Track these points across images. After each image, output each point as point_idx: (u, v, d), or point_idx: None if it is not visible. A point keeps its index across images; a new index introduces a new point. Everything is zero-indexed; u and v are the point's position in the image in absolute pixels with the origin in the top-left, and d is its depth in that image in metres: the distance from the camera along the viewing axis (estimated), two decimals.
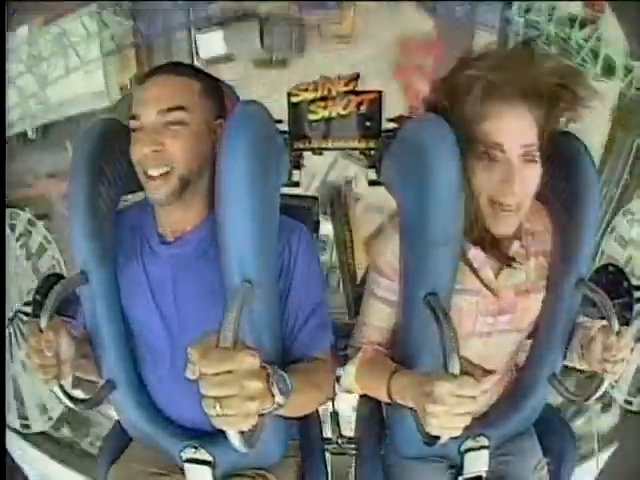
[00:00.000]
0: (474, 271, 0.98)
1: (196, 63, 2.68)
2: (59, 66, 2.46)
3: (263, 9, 2.69)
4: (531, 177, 0.92)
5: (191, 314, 0.97)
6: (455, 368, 0.79)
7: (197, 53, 2.73)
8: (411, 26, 2.70)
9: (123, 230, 1.02)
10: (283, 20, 2.71)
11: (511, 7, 2.47)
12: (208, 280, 0.95)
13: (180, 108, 0.92)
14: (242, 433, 0.72)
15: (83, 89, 2.55)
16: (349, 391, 1.09)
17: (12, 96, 2.35)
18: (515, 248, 1.00)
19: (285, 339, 0.99)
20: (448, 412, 0.77)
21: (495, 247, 0.98)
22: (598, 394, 0.98)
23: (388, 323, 1.05)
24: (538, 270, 1.03)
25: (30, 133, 2.48)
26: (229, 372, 0.67)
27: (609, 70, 2.24)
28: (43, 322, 0.88)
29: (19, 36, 2.40)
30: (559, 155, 0.99)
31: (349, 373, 1.06)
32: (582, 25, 2.29)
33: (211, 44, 2.71)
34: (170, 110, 0.91)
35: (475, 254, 0.98)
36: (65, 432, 2.31)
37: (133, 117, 0.93)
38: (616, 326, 0.92)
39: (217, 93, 1.00)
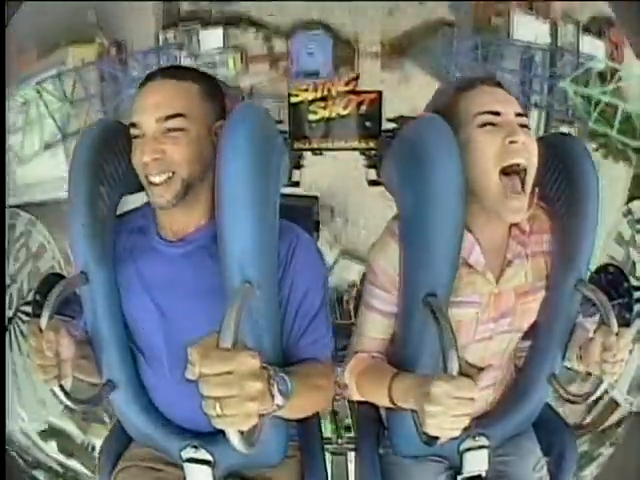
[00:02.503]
0: (480, 274, 0.99)
1: None
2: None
3: (247, 83, 2.61)
4: (529, 142, 0.93)
5: (191, 314, 0.97)
6: (454, 369, 0.79)
7: None
8: None
9: (122, 233, 1.02)
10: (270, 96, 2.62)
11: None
12: (208, 280, 0.95)
13: (179, 115, 0.92)
14: (242, 433, 0.72)
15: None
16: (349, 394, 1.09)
17: None
18: (513, 247, 1.01)
19: (286, 344, 0.99)
20: (446, 413, 0.77)
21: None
22: (596, 395, 0.98)
23: (385, 334, 1.05)
24: (536, 271, 1.03)
25: None
26: (229, 373, 0.68)
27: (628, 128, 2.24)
28: (43, 322, 0.87)
29: None
30: (560, 156, 1.00)
31: (345, 378, 1.07)
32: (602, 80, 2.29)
33: None
34: (169, 118, 0.91)
35: (476, 260, 0.99)
36: None
37: (133, 125, 0.94)
38: (615, 327, 0.92)
39: (217, 95, 1.00)
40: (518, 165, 0.91)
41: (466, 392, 0.77)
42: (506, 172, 0.92)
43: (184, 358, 0.75)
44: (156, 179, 0.92)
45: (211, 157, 0.94)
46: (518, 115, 0.94)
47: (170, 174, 0.92)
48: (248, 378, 0.69)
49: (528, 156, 0.92)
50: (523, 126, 0.93)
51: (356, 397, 1.07)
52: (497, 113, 0.93)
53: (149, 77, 0.96)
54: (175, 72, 0.97)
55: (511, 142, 0.90)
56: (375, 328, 1.05)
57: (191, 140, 0.92)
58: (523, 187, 0.92)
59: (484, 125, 0.92)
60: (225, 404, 0.67)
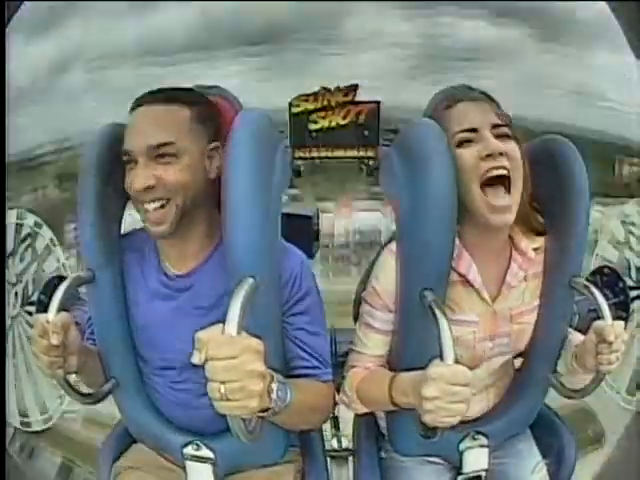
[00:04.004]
0: (476, 291, 1.01)
1: None
2: None
3: None
4: (510, 150, 0.94)
5: (189, 337, 0.97)
6: (449, 358, 0.80)
7: None
8: None
9: (126, 252, 1.03)
10: None
11: None
12: (211, 301, 0.96)
13: (169, 144, 0.90)
14: (244, 422, 0.74)
15: None
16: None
17: None
18: (514, 270, 1.02)
19: (288, 365, 1.00)
20: (442, 398, 0.78)
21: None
22: (595, 388, 0.99)
23: (384, 350, 1.06)
24: (533, 291, 1.05)
25: None
26: (233, 357, 0.70)
27: None
28: (51, 314, 0.88)
29: None
30: (550, 158, 1.03)
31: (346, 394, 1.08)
32: None
33: None
34: (160, 146, 0.90)
35: (474, 279, 1.01)
36: None
37: (125, 153, 0.93)
38: (609, 319, 0.93)
39: (211, 116, 0.98)
40: (498, 177, 0.93)
41: (461, 378, 0.79)
42: (488, 184, 0.93)
43: (186, 363, 0.76)
44: (150, 206, 0.92)
45: (204, 183, 0.95)
46: (495, 127, 0.95)
47: (164, 202, 0.92)
48: (252, 362, 0.71)
49: (509, 164, 0.93)
50: (503, 136, 0.95)
51: (361, 410, 1.07)
52: (473, 130, 0.95)
53: (139, 101, 0.95)
54: (165, 96, 0.94)
55: (487, 155, 0.92)
56: (375, 346, 1.06)
57: (183, 166, 0.91)
58: (507, 191, 0.93)
59: (462, 143, 0.95)
60: (229, 387, 0.69)
